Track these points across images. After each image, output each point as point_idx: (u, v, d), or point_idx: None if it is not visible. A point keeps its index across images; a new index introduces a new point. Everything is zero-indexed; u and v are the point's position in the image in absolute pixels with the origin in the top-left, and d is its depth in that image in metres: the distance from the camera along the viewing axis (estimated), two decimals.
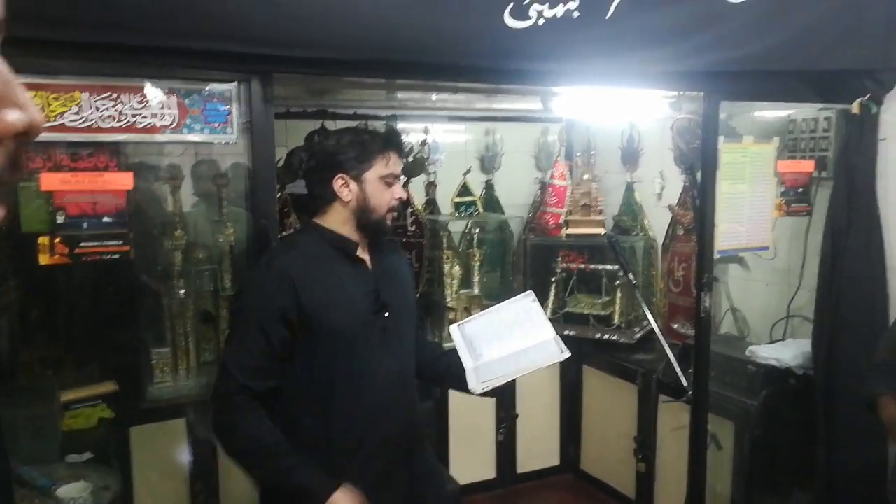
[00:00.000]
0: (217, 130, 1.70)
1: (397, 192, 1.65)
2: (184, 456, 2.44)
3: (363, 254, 1.68)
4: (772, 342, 2.88)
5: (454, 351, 1.76)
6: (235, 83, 1.71)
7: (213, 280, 2.62)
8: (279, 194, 2.67)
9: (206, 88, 1.67)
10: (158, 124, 1.62)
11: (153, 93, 1.60)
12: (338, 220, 1.64)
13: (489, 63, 1.87)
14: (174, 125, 1.65)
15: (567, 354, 1.63)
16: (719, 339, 2.95)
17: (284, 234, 2.81)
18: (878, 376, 2.06)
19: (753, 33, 2.11)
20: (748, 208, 2.43)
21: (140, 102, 1.59)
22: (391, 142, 1.66)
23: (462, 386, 1.69)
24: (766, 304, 3.04)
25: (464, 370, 1.68)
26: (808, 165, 2.61)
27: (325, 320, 1.55)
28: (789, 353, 2.66)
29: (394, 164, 1.64)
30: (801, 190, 2.58)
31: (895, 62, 2.38)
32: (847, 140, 2.51)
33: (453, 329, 1.80)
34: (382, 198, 1.62)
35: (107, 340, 2.42)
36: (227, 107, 1.70)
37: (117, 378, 2.33)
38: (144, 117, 1.60)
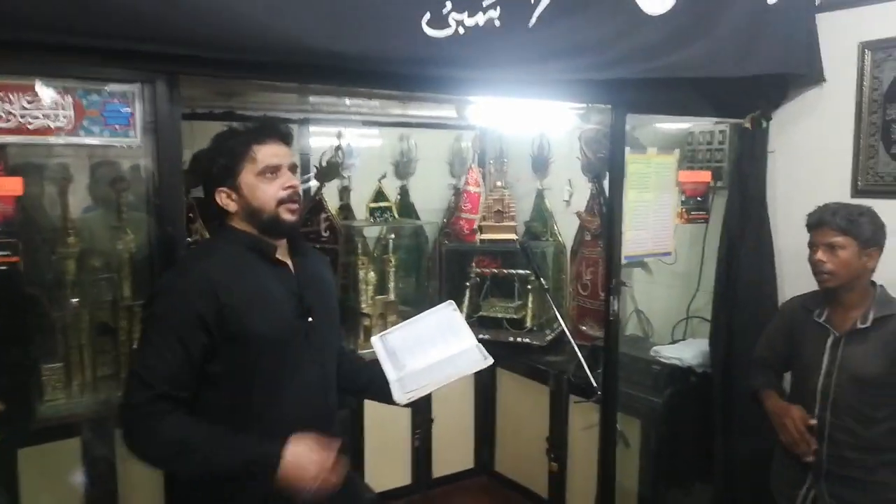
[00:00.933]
0: (118, 133, 1.59)
1: (284, 181, 1.56)
2: (79, 478, 2.28)
3: (284, 257, 1.62)
4: (673, 342, 3.03)
5: (375, 362, 1.74)
6: (139, 83, 1.61)
7: (112, 289, 2.46)
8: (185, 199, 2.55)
9: (106, 88, 1.57)
10: (52, 126, 1.51)
11: (45, 92, 1.48)
12: (243, 226, 1.58)
13: (406, 71, 1.84)
14: (69, 127, 1.53)
15: (490, 361, 1.65)
16: (625, 340, 3.07)
17: (190, 240, 2.69)
18: (756, 371, 2.24)
19: (671, 44, 2.20)
20: (652, 216, 2.55)
21: (30, 102, 1.47)
22: (257, 134, 1.56)
23: (385, 398, 1.67)
24: (668, 306, 3.20)
25: (386, 382, 1.66)
26: (705, 176, 2.77)
27: (249, 325, 1.48)
28: (690, 352, 2.81)
29: (266, 155, 1.54)
30: (699, 199, 2.74)
31: (795, 66, 2.55)
32: (740, 152, 2.69)
33: (375, 340, 1.78)
34: (266, 194, 1.54)
35: None
36: (129, 108, 1.60)
37: (3, 397, 2.15)
38: (35, 118, 1.48)
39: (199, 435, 1.44)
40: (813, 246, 2.02)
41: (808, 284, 2.17)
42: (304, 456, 1.43)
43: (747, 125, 2.63)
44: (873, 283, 2.02)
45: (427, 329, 1.75)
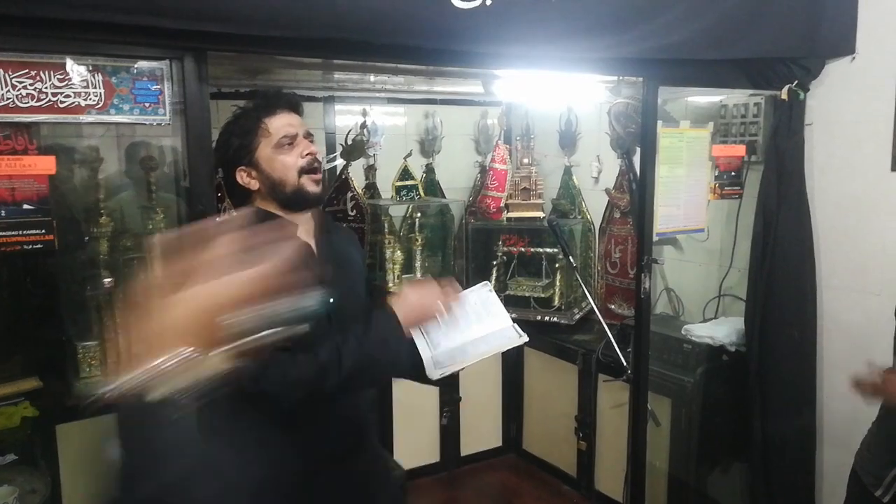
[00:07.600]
0: (147, 111, 1.59)
1: (302, 148, 1.53)
2: (118, 453, 2.32)
3: (307, 237, 1.61)
4: (705, 321, 2.98)
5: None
6: (167, 61, 1.61)
7: (144, 269, 2.49)
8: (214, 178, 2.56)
9: (135, 66, 1.56)
10: (82, 104, 1.51)
11: (76, 70, 1.49)
12: (267, 205, 1.57)
13: (435, 44, 1.81)
14: (100, 105, 1.54)
15: (525, 338, 1.64)
16: (656, 318, 3.02)
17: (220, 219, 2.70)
18: None
19: (684, 22, 2.15)
20: (685, 192, 2.50)
21: (61, 80, 1.48)
22: (266, 107, 1.54)
23: (417, 375, 1.67)
24: (699, 283, 3.14)
25: (420, 359, 1.66)
26: (739, 150, 2.70)
27: None
28: (722, 330, 2.76)
29: (280, 126, 1.52)
30: (733, 173, 2.67)
31: (818, 50, 2.48)
32: (776, 125, 2.60)
33: None
34: (286, 165, 1.52)
35: (28, 334, 2.27)
36: (159, 86, 1.60)
37: (41, 374, 2.19)
38: (67, 96, 1.49)
39: (332, 351, 1.48)
40: None
41: (846, 262, 2.11)
42: (416, 295, 1.55)
43: (784, 97, 2.55)
44: None
45: (463, 309, 1.74)
